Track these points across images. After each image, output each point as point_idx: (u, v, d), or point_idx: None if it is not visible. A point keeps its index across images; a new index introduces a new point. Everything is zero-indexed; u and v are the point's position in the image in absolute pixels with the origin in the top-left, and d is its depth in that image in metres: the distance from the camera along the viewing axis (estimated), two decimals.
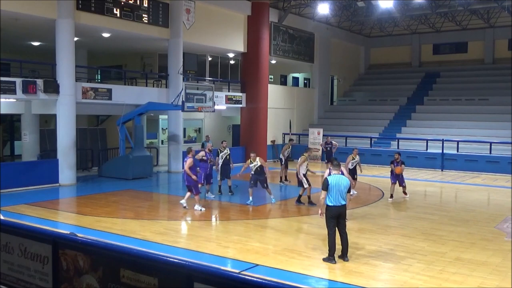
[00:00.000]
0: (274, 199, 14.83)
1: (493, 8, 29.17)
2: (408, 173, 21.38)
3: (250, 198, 14.54)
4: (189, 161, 13.28)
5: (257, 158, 14.57)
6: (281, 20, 27.85)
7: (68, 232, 7.16)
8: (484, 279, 8.22)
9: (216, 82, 25.42)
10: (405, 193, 15.93)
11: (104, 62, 26.98)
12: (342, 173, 9.77)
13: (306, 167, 14.38)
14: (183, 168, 14.54)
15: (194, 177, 13.25)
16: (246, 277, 4.25)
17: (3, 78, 16.08)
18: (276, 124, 28.23)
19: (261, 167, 14.46)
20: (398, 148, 25.42)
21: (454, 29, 33.90)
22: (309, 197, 14.38)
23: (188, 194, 13.81)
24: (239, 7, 25.01)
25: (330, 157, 18.15)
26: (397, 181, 15.66)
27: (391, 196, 15.68)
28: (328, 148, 21.20)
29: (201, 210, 13.37)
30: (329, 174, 10.51)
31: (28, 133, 20.83)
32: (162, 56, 23.89)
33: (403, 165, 15.74)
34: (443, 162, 23.82)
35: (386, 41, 37.05)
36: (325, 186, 8.87)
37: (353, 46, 36.41)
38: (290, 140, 20.22)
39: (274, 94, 28.25)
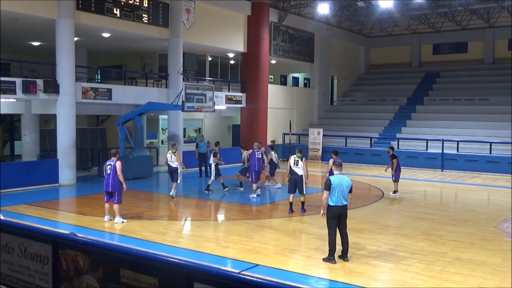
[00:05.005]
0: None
1: (493, 8, 29.16)
2: (408, 173, 21.39)
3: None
4: (120, 164, 11.61)
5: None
6: (281, 20, 27.83)
7: (68, 232, 7.17)
8: (484, 279, 8.22)
9: (216, 82, 25.40)
10: (394, 191, 16.32)
11: (104, 62, 26.99)
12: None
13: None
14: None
15: (125, 186, 11.68)
16: (246, 277, 4.25)
17: (3, 78, 16.08)
18: (276, 124, 28.22)
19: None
20: (398, 148, 25.42)
21: (454, 29, 33.88)
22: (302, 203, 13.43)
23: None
24: (239, 7, 25.01)
25: None
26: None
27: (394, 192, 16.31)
28: None
29: (123, 222, 11.80)
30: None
31: (28, 133, 20.82)
32: (162, 56, 23.89)
33: (394, 160, 16.19)
34: (443, 162, 23.80)
35: (386, 41, 37.02)
36: (328, 186, 8.82)
37: (353, 46, 36.39)
38: (217, 143, 17.84)
39: (274, 94, 28.25)
